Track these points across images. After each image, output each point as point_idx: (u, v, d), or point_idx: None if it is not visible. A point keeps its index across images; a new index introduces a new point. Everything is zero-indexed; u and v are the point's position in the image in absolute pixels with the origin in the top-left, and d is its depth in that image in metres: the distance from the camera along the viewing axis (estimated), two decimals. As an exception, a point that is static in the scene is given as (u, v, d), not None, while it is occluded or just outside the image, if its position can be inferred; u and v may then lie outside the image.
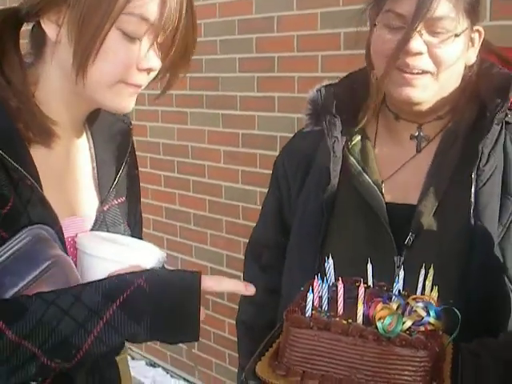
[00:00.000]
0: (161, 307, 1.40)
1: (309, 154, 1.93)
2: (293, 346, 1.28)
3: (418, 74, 1.67)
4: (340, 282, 1.35)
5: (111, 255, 1.48)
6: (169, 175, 5.00)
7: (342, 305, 1.32)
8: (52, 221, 1.47)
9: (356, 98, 1.86)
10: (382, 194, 1.77)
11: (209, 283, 1.46)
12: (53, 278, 1.41)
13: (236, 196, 4.44)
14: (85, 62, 1.43)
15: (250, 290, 1.49)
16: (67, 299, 1.36)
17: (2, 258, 1.38)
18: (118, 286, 1.39)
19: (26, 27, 1.57)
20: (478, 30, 1.73)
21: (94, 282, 1.40)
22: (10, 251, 1.39)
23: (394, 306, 1.31)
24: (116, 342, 1.37)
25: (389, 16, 1.67)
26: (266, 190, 2.08)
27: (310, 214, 1.85)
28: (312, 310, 1.31)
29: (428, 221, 1.71)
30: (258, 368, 1.31)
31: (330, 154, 1.80)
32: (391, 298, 1.35)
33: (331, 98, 1.85)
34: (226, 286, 1.50)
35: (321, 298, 1.35)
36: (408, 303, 1.32)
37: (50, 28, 1.47)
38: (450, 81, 1.73)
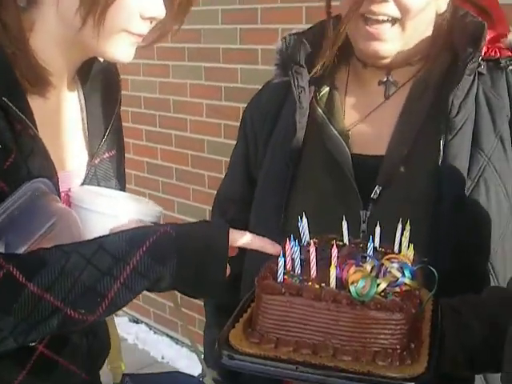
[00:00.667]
0: (187, 248, 1.37)
1: (276, 105, 1.88)
2: (265, 313, 1.25)
3: (383, 22, 1.62)
4: (312, 244, 1.31)
5: (110, 210, 1.45)
6: (150, 129, 4.95)
7: (314, 268, 1.28)
8: (50, 174, 1.44)
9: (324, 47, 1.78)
10: (348, 146, 1.72)
11: (235, 235, 1.43)
12: (59, 233, 1.38)
13: (219, 150, 4.41)
14: (99, 10, 1.38)
15: (276, 249, 1.43)
16: (89, 247, 1.33)
17: (6, 213, 1.35)
18: (143, 233, 1.37)
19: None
20: None
21: (116, 232, 1.38)
22: (14, 206, 1.35)
23: (368, 267, 1.27)
24: (141, 287, 1.34)
25: None
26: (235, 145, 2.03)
27: (275, 167, 1.81)
28: (284, 274, 1.27)
29: (394, 173, 1.67)
30: (231, 336, 1.27)
31: (297, 105, 1.75)
32: (365, 259, 1.31)
33: (297, 46, 1.80)
34: (253, 240, 1.47)
35: (293, 260, 1.31)
36: (383, 264, 1.28)
37: None
38: (418, 29, 1.68)
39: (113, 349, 1.81)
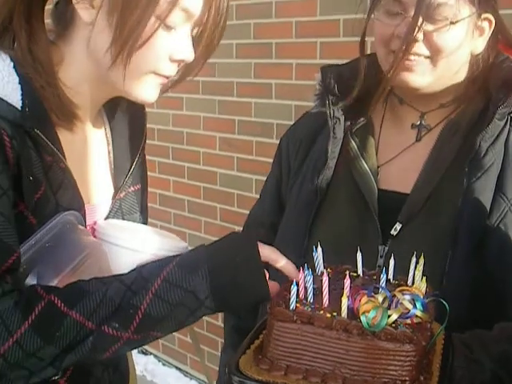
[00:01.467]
0: (218, 256, 1.37)
1: (312, 134, 1.91)
2: (276, 340, 1.25)
3: (414, 60, 1.64)
4: (324, 273, 1.32)
5: (135, 244, 1.45)
6: (163, 161, 4.96)
7: (326, 297, 1.29)
8: (78, 207, 1.46)
9: (363, 81, 1.81)
10: (377, 182, 1.74)
11: (264, 248, 1.42)
12: (90, 265, 1.40)
13: (231, 183, 4.41)
14: (126, 51, 1.39)
15: (298, 275, 1.40)
16: (129, 276, 1.35)
17: (38, 245, 1.36)
18: (175, 255, 1.40)
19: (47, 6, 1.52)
20: (487, 19, 1.69)
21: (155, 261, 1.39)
22: (45, 239, 1.36)
23: (380, 298, 1.28)
24: (175, 297, 1.32)
25: (388, 2, 1.66)
26: (261, 178, 2.05)
27: (305, 195, 1.83)
28: (296, 302, 1.28)
29: (417, 212, 1.68)
30: (242, 362, 1.27)
31: (330, 135, 1.78)
32: (378, 290, 1.32)
33: (335, 77, 1.82)
34: (280, 258, 1.45)
35: (306, 289, 1.32)
36: (395, 295, 1.29)
37: (83, 9, 1.41)
38: (451, 68, 1.69)
39: (130, 383, 1.80)
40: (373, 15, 1.71)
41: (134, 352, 5.26)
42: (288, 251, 1.69)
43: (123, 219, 1.63)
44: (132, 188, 1.67)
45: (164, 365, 5.24)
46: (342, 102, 1.80)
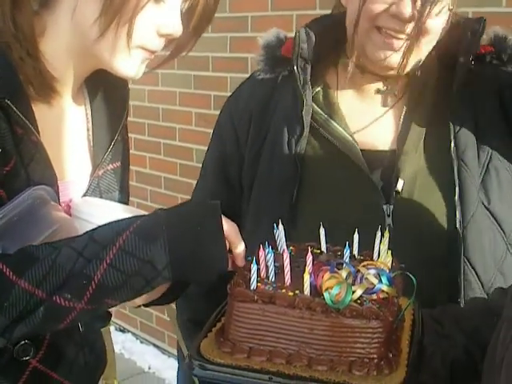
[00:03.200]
0: (178, 224, 1.32)
1: (262, 104, 1.83)
2: (238, 321, 1.21)
3: (401, 39, 1.61)
4: (285, 250, 1.27)
5: (108, 221, 1.40)
6: (139, 138, 4.93)
7: (288, 275, 1.25)
8: (51, 182, 1.42)
9: (323, 45, 1.77)
10: (355, 141, 1.71)
11: (228, 228, 1.37)
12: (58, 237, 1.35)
13: (208, 159, 4.36)
14: (116, 22, 1.35)
15: (240, 263, 1.39)
16: (80, 241, 1.29)
17: (5, 219, 1.32)
18: (132, 219, 1.33)
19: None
20: None
21: (108, 223, 1.33)
22: (13, 213, 1.32)
23: (344, 274, 1.23)
24: (132, 267, 1.27)
25: None
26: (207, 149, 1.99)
27: (280, 166, 1.76)
28: (258, 281, 1.23)
29: (413, 165, 1.67)
30: (203, 346, 1.23)
31: (303, 102, 1.71)
32: (342, 266, 1.27)
33: (307, 41, 1.75)
34: (239, 245, 1.40)
35: (268, 267, 1.27)
36: (359, 270, 1.25)
37: None
38: (428, 48, 1.69)
39: (108, 364, 1.77)
40: None
41: (112, 330, 5.22)
42: (268, 230, 1.65)
43: (101, 197, 1.60)
44: (111, 166, 1.64)
45: (142, 342, 5.24)
46: (309, 67, 1.74)
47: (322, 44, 1.76)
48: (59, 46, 1.45)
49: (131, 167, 5.21)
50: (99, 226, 1.33)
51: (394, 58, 1.63)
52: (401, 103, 1.75)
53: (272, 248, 1.29)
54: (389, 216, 1.64)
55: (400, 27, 1.60)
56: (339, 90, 1.79)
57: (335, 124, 1.72)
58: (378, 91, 1.76)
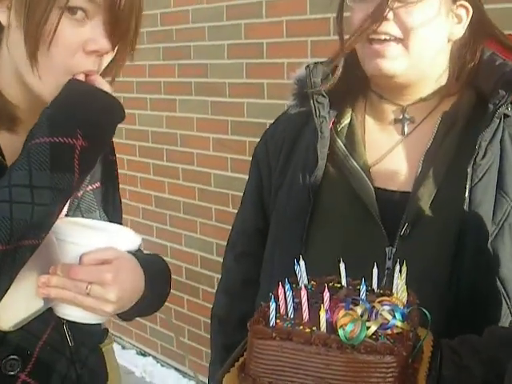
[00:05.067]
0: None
1: (293, 135, 1.86)
2: (257, 357, 1.23)
3: (385, 41, 1.62)
4: (303, 288, 1.29)
5: (83, 240, 1.44)
6: (158, 163, 4.97)
7: (306, 311, 1.26)
8: None
9: (345, 78, 1.78)
10: (371, 180, 1.71)
11: None
12: (37, 256, 1.38)
13: (225, 184, 4.42)
14: (35, 50, 1.38)
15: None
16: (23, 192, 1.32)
17: None
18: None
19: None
20: (463, 6, 1.67)
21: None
22: None
23: (359, 310, 1.25)
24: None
25: None
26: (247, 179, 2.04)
27: (295, 198, 1.78)
28: (277, 318, 1.25)
29: (424, 210, 1.65)
30: (226, 380, 1.27)
31: (318, 135, 1.74)
32: (357, 301, 1.29)
33: (320, 75, 1.78)
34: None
35: (287, 304, 1.29)
36: (374, 307, 1.26)
37: (1, 13, 1.42)
38: (426, 53, 1.67)
39: (111, 381, 1.77)
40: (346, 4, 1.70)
41: (132, 353, 5.24)
42: (282, 261, 1.69)
43: (82, 217, 1.62)
44: (90, 187, 1.66)
45: (163, 366, 5.25)
46: (327, 100, 1.77)
47: (351, 76, 1.78)
48: (8, 76, 1.48)
49: (150, 192, 5.25)
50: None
51: (385, 64, 1.63)
52: (419, 131, 1.75)
53: (292, 283, 1.32)
54: (390, 259, 1.65)
55: (379, 29, 1.61)
56: (365, 122, 1.81)
57: (354, 162, 1.72)
58: (396, 120, 1.76)
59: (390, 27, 1.61)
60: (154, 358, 5.33)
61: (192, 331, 4.83)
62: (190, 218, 4.78)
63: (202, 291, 4.59)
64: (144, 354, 5.40)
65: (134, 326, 5.34)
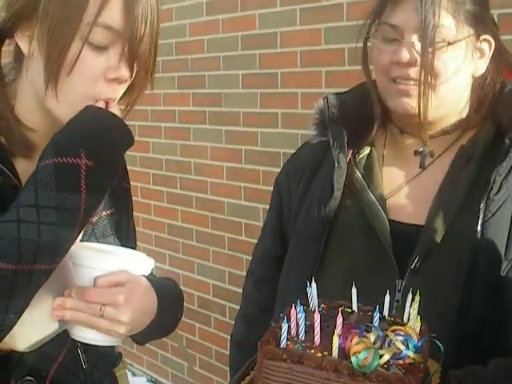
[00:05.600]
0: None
1: (314, 164, 1.88)
2: (266, 378, 1.22)
3: (414, 85, 1.63)
4: (316, 311, 1.28)
5: (99, 264, 1.47)
6: (171, 191, 4.98)
7: (318, 335, 1.26)
8: None
9: (365, 109, 1.80)
10: (386, 212, 1.71)
11: None
12: (53, 279, 1.39)
13: (238, 213, 4.42)
14: (55, 76, 1.42)
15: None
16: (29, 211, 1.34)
17: None
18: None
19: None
20: (486, 40, 1.68)
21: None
22: None
23: (372, 338, 1.25)
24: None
25: (384, 28, 1.66)
26: (268, 207, 2.06)
27: (310, 227, 1.80)
28: (288, 339, 1.25)
29: (436, 245, 1.64)
30: None
31: (335, 165, 1.75)
32: (370, 328, 1.29)
33: (338, 106, 1.81)
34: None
35: (298, 325, 1.28)
36: (387, 335, 1.26)
37: (22, 42, 1.46)
38: (452, 93, 1.68)
39: None
40: (370, 43, 1.72)
41: (143, 381, 5.24)
42: (296, 288, 1.69)
43: (97, 242, 1.65)
44: (104, 212, 1.68)
45: (174, 394, 5.23)
46: (345, 131, 1.78)
47: (370, 107, 1.79)
48: (28, 105, 1.52)
49: (164, 220, 5.27)
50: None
51: (410, 104, 1.64)
52: (437, 164, 1.75)
53: (303, 305, 1.32)
54: (399, 291, 1.65)
55: (405, 74, 1.63)
56: (385, 154, 1.82)
57: (370, 194, 1.73)
58: (416, 152, 1.76)
59: (417, 72, 1.62)
60: (165, 386, 5.33)
61: (203, 359, 4.81)
62: (202, 246, 4.78)
63: (213, 319, 4.57)
64: (155, 382, 5.38)
65: (145, 353, 5.33)
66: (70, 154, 1.36)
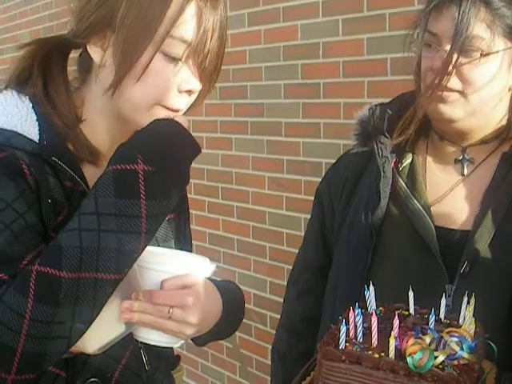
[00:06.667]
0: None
1: (355, 174, 1.91)
2: (325, 378, 1.26)
3: (448, 91, 1.66)
4: (374, 314, 1.33)
5: (165, 267, 1.49)
6: (213, 201, 5.01)
7: (375, 337, 1.30)
8: None
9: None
10: (432, 220, 1.74)
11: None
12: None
13: (280, 222, 4.43)
14: (124, 79, 1.46)
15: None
16: (90, 219, 1.35)
17: None
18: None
19: (75, 54, 1.61)
20: None
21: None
22: None
23: (428, 339, 1.28)
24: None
25: (426, 36, 1.70)
26: (310, 217, 2.06)
27: (357, 236, 1.82)
28: (346, 341, 1.29)
29: (484, 249, 1.66)
30: None
31: (380, 175, 1.78)
32: (426, 330, 1.32)
33: (383, 116, 1.83)
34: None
35: (356, 328, 1.33)
36: (442, 337, 1.29)
37: (95, 52, 1.50)
38: (486, 104, 1.70)
39: None
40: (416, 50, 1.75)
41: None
42: (344, 297, 1.70)
43: (159, 246, 1.67)
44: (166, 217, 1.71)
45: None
46: (389, 141, 1.81)
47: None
48: (95, 113, 1.57)
49: (205, 229, 5.30)
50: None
51: (444, 109, 1.68)
52: (478, 172, 1.78)
53: (361, 308, 1.36)
54: (449, 296, 1.66)
55: (443, 83, 1.65)
56: (425, 160, 1.85)
57: (415, 201, 1.76)
58: (456, 160, 1.80)
59: (452, 83, 1.65)
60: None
61: (244, 369, 4.81)
62: (244, 256, 4.80)
63: (254, 329, 4.57)
64: (195, 391, 5.40)
65: (185, 361, 5.34)
66: (128, 160, 1.38)
